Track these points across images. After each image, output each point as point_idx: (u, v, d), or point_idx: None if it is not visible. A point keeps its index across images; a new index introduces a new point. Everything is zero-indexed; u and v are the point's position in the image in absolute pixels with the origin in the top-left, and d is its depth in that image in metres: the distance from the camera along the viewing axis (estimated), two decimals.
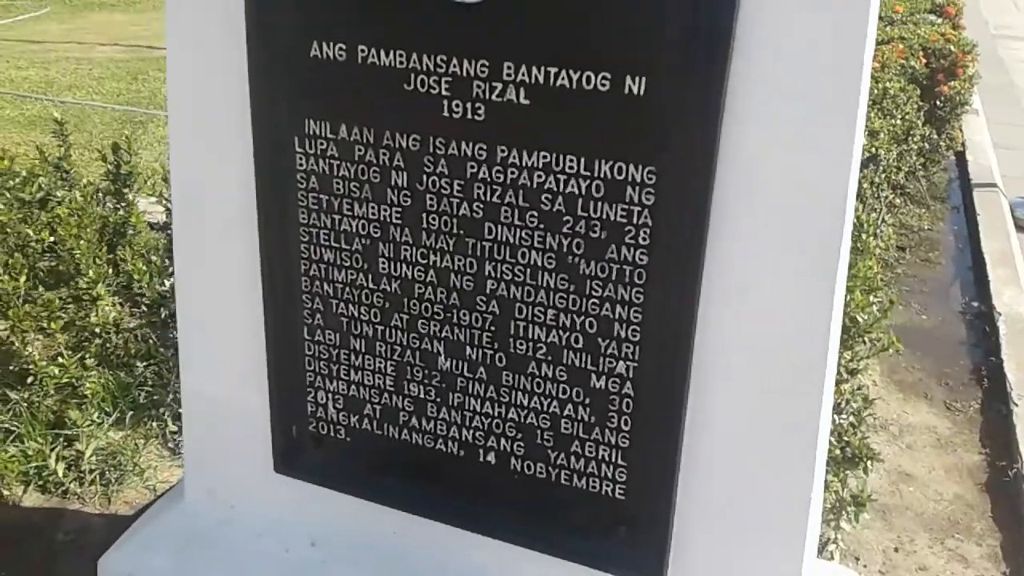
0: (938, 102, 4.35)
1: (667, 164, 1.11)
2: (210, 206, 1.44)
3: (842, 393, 1.86)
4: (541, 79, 1.12)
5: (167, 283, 2.29)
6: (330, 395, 1.46)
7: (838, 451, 1.74)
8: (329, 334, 1.42)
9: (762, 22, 1.02)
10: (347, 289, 1.37)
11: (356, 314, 1.38)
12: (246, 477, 1.59)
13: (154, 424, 2.18)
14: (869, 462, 1.76)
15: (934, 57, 4.37)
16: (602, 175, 1.13)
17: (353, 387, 1.44)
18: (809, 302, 1.12)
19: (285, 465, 1.54)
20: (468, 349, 1.32)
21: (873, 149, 3.00)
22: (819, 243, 1.09)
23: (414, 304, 1.33)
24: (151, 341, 2.27)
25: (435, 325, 1.33)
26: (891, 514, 2.13)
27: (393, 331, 1.37)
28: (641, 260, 1.15)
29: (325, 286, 1.38)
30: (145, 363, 2.23)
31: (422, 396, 1.39)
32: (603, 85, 1.09)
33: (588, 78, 1.10)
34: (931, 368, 2.76)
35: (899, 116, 3.43)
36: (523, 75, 1.13)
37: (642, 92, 1.08)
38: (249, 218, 1.37)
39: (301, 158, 1.31)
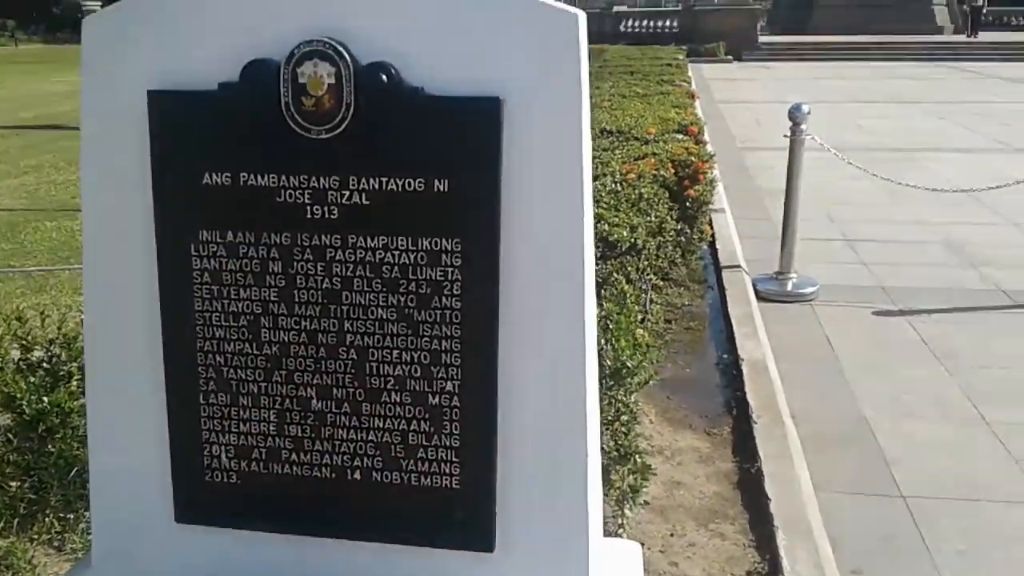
0: (687, 203, 5.26)
1: (468, 237, 1.63)
2: (118, 303, 1.81)
3: (618, 417, 2.41)
4: (377, 186, 1.62)
5: (45, 400, 2.52)
6: (223, 447, 1.82)
7: (616, 453, 2.29)
8: (221, 396, 1.79)
9: (516, 144, 1.58)
10: (236, 357, 1.77)
11: (244, 376, 1.77)
12: (150, 532, 1.88)
13: (40, 527, 2.39)
14: (643, 469, 2.30)
15: (681, 167, 5.29)
16: (425, 248, 1.64)
17: (242, 436, 1.81)
18: (568, 335, 1.65)
19: (186, 515, 1.87)
20: (335, 390, 1.75)
21: (633, 240, 3.72)
22: (567, 290, 1.64)
23: (290, 361, 1.75)
24: (30, 456, 2.49)
25: (308, 375, 1.75)
26: (667, 511, 2.71)
27: (274, 385, 1.77)
28: (456, 306, 1.65)
29: (217, 357, 1.77)
30: (25, 475, 2.45)
31: (300, 434, 1.79)
32: (420, 187, 1.61)
33: (409, 183, 1.62)
34: (694, 407, 3.42)
35: (653, 214, 4.22)
36: (364, 184, 1.63)
37: (446, 189, 1.61)
38: (153, 311, 1.76)
39: (196, 259, 1.72)
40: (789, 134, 5.20)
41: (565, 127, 1.59)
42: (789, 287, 5.30)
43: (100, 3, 59.92)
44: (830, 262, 6.05)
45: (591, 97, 6.03)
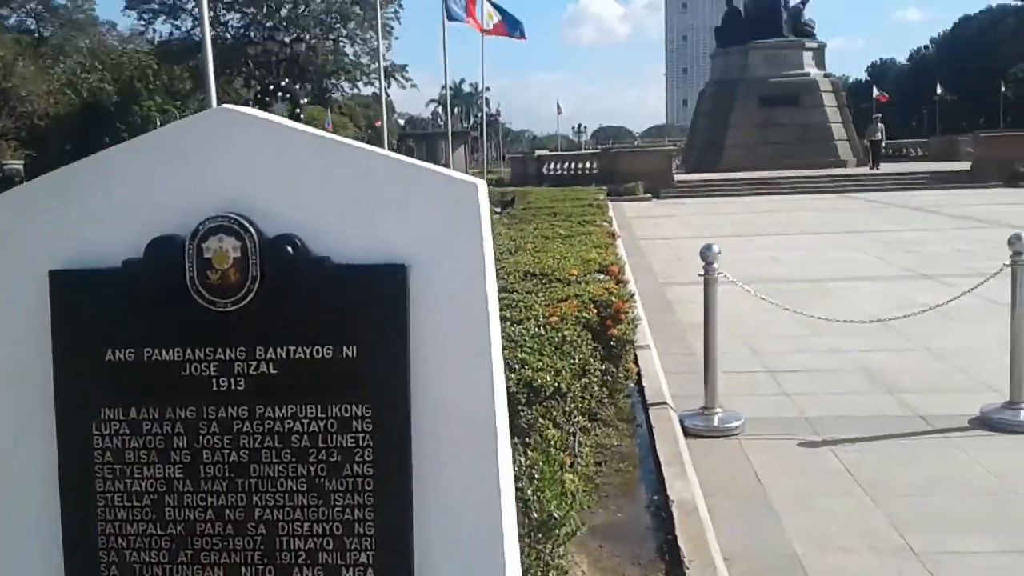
0: (611, 342, 5.34)
1: (379, 402, 1.62)
2: (14, 486, 1.73)
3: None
4: (284, 355, 1.62)
5: None
6: None
7: None
8: None
9: (423, 308, 1.61)
10: (139, 539, 1.69)
11: (147, 559, 1.69)
12: None
13: None
14: None
15: (602, 307, 5.40)
16: (335, 415, 1.63)
17: None
18: (483, 493, 1.64)
19: None
20: (244, 569, 1.68)
21: (558, 384, 3.75)
22: (480, 447, 1.64)
23: (196, 540, 1.68)
24: None
25: (215, 554, 1.68)
26: None
27: (180, 567, 1.70)
28: (368, 472, 1.63)
29: (120, 540, 1.69)
30: None
31: None
32: (328, 354, 1.62)
33: (317, 350, 1.62)
34: (626, 554, 3.37)
35: (576, 356, 4.28)
36: (271, 354, 1.63)
37: (355, 355, 1.62)
38: (51, 494, 1.69)
39: (97, 438, 1.68)
40: (703, 273, 5.38)
41: (470, 288, 1.63)
42: (715, 422, 5.37)
43: (22, 163, 59.34)
44: (754, 394, 6.16)
45: (515, 239, 6.20)
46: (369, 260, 1.62)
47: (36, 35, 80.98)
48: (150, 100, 66.79)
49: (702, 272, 5.36)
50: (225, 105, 1.67)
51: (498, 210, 23.88)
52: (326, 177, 1.63)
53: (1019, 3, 77.30)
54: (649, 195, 30.31)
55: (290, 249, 1.62)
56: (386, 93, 73.87)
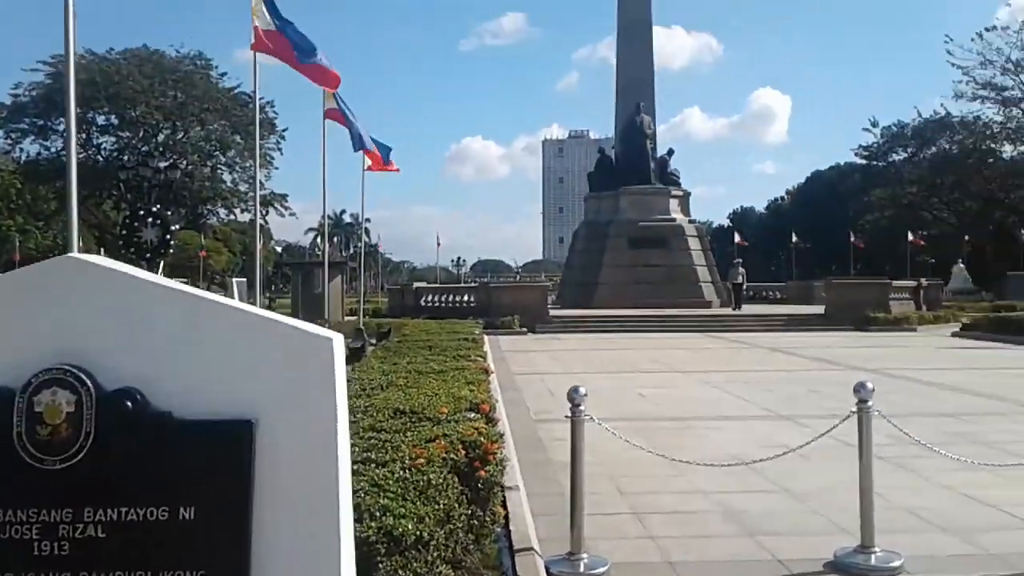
0: (479, 484, 5.28)
1: (215, 567, 1.55)
2: None
3: None
4: (115, 516, 1.54)
5: None
6: None
7: None
8: None
9: (269, 464, 1.57)
10: None
11: None
12: None
13: None
14: None
15: (471, 448, 5.36)
16: None
17: None
18: None
19: None
20: None
21: (420, 532, 3.65)
22: None
23: None
24: None
25: None
26: None
27: None
28: None
29: None
30: None
31: None
32: (163, 515, 1.54)
33: (152, 511, 1.54)
34: None
35: (442, 501, 4.20)
36: (100, 516, 1.54)
37: (192, 517, 1.55)
38: None
39: None
40: (569, 415, 5.45)
41: (321, 448, 1.61)
42: (581, 568, 5.32)
43: None
44: (620, 537, 6.17)
45: (387, 374, 6.13)
46: (214, 415, 1.58)
47: None
48: (10, 219, 64.04)
49: (569, 413, 5.43)
50: (71, 254, 1.63)
51: (373, 342, 23.70)
52: (172, 328, 1.60)
53: (863, 161, 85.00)
54: (525, 329, 30.80)
55: (129, 404, 1.57)
56: (264, 220, 73.58)
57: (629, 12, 44.18)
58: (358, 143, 22.12)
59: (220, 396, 1.58)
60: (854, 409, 5.67)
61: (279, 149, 63.18)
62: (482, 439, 5.53)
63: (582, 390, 5.50)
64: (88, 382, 1.55)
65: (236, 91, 58.63)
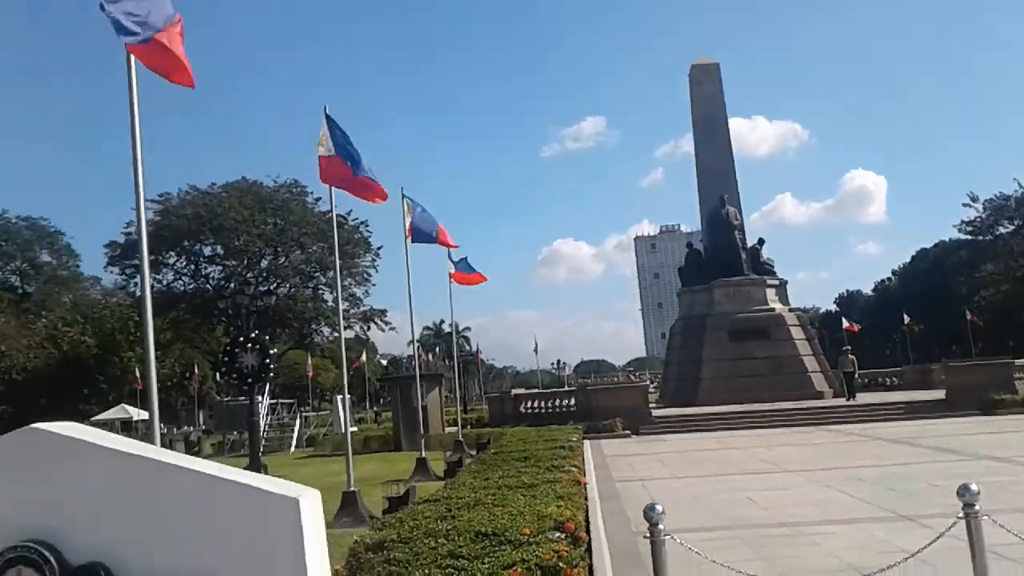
0: None
1: None
2: None
3: None
4: None
5: None
6: None
7: None
8: None
9: None
10: None
11: None
12: None
13: None
14: None
15: (549, 573, 5.07)
16: None
17: None
18: None
19: None
20: None
21: None
22: None
23: None
24: None
25: None
26: None
27: None
28: None
29: None
30: None
31: None
32: None
33: None
34: None
35: None
36: None
37: None
38: None
39: None
40: (648, 535, 5.12)
41: None
42: None
43: None
44: None
45: (476, 491, 5.94)
46: None
47: (20, 291, 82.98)
48: (130, 351, 67.41)
49: (647, 534, 5.10)
50: (34, 425, 1.55)
51: (473, 453, 23.51)
52: (136, 497, 1.49)
53: (968, 236, 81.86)
54: (628, 432, 30.10)
55: None
56: (365, 335, 75.27)
57: (702, 109, 44.50)
58: (421, 237, 22.53)
59: (189, 566, 1.45)
60: (961, 515, 5.15)
61: (375, 267, 65.14)
62: (561, 564, 5.25)
63: (659, 507, 5.18)
64: (52, 559, 1.44)
65: (330, 215, 61.00)
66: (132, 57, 7.03)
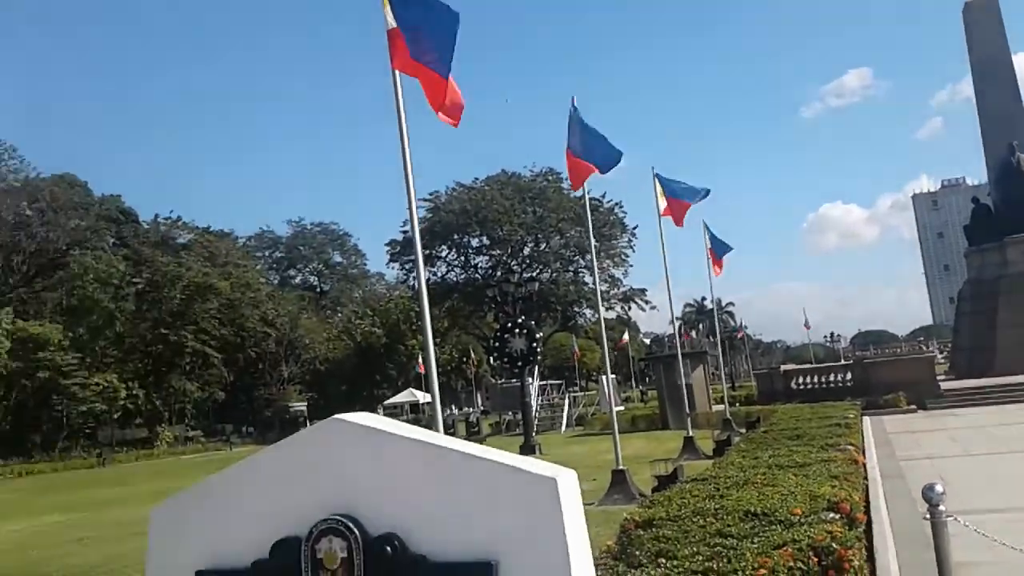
0: None
1: None
2: None
3: None
4: None
5: None
6: None
7: None
8: None
9: None
10: None
11: None
12: None
13: None
14: None
15: (823, 554, 4.95)
16: None
17: None
18: None
19: None
20: None
21: None
22: None
23: None
24: None
25: None
26: None
27: None
28: None
29: None
30: None
31: None
32: None
33: None
34: None
35: None
36: None
37: None
38: None
39: None
40: (927, 516, 4.83)
41: None
42: None
43: (305, 404, 65.97)
44: None
45: (745, 470, 5.98)
46: (460, 558, 1.67)
47: (317, 290, 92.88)
48: (413, 339, 72.86)
49: (928, 515, 4.82)
50: (336, 416, 1.85)
51: (743, 431, 23.02)
52: (421, 479, 1.74)
53: None
54: (913, 407, 28.00)
55: (390, 549, 1.72)
56: (627, 316, 75.86)
57: (981, 49, 39.93)
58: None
59: (464, 538, 1.68)
60: None
61: (631, 247, 65.44)
62: (835, 545, 5.10)
63: (939, 487, 4.87)
64: (356, 530, 1.73)
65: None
66: (398, 74, 7.56)
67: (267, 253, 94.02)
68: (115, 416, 59.63)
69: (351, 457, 1.78)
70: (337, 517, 1.75)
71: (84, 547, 13.49)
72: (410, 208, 7.60)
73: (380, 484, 1.76)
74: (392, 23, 7.29)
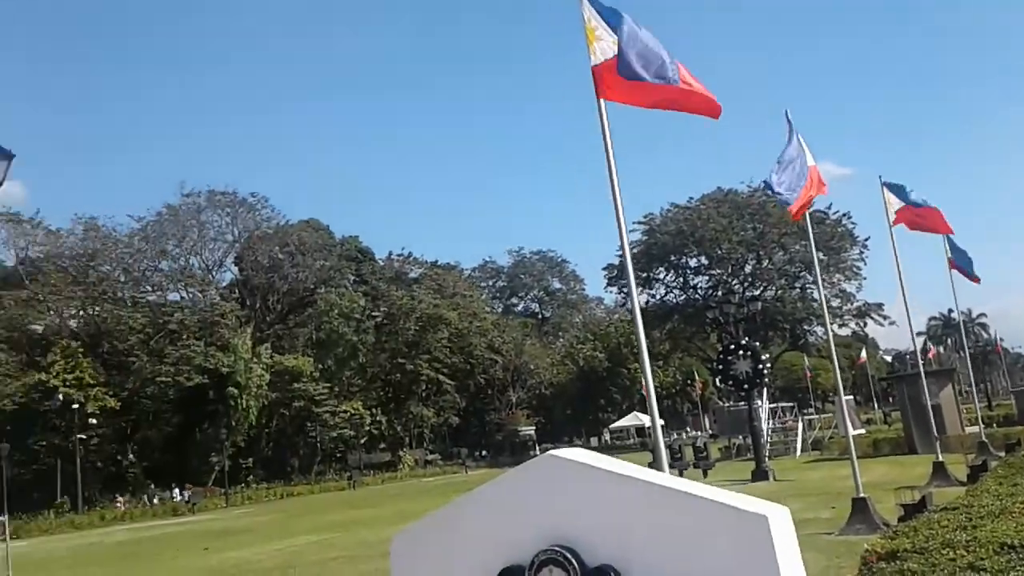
0: None
1: None
2: None
3: None
4: None
5: None
6: None
7: None
8: None
9: None
10: None
11: None
12: None
13: None
14: None
15: None
16: None
17: None
18: None
19: None
20: None
21: None
22: None
23: None
24: None
25: None
26: None
27: None
28: None
29: None
30: None
31: None
32: None
33: None
34: None
35: None
36: None
37: None
38: None
39: None
40: None
41: None
42: None
43: (533, 428, 67.49)
44: None
45: (1002, 498, 5.63)
46: None
47: (539, 316, 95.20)
48: (635, 363, 72.73)
49: None
50: (551, 452, 1.98)
51: (1000, 455, 20.98)
52: (633, 514, 1.83)
53: None
54: None
55: None
56: (863, 332, 71.37)
57: None
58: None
59: (677, 571, 1.73)
60: None
61: (863, 259, 61.65)
62: None
63: None
64: (574, 561, 1.84)
65: (808, 211, 59.34)
66: (603, 102, 7.73)
67: (490, 283, 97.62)
68: (362, 441, 63.97)
69: (565, 491, 1.89)
70: (557, 548, 1.87)
71: (339, 565, 14.60)
72: (621, 238, 7.71)
73: (595, 518, 1.86)
74: (599, 59, 7.48)
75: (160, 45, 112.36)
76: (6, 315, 54.22)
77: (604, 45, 7.45)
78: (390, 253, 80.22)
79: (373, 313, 67.19)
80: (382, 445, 67.72)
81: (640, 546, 1.79)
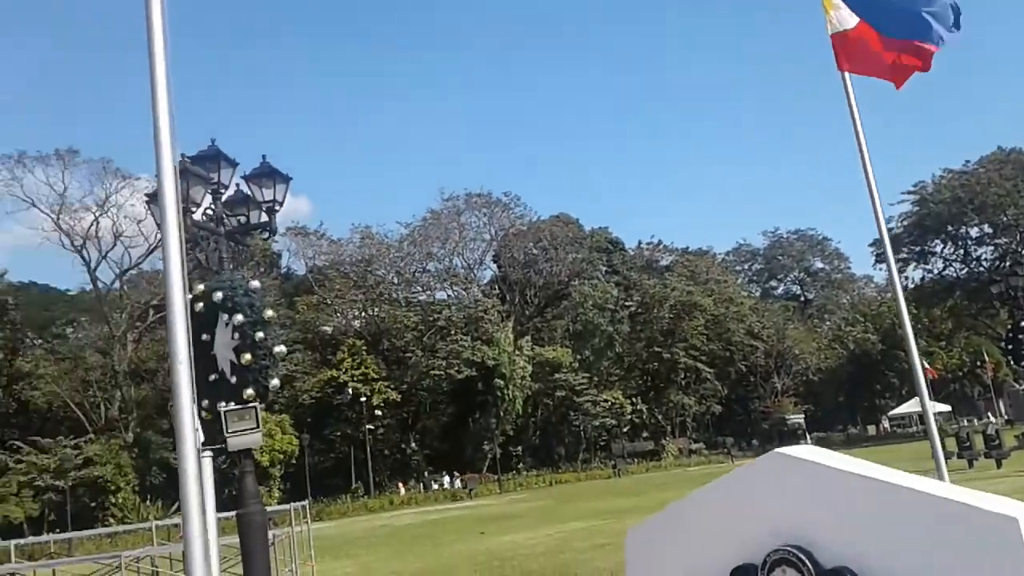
0: None
1: None
2: None
3: None
4: None
5: None
6: None
7: None
8: None
9: None
10: None
11: None
12: None
13: None
14: None
15: None
16: None
17: None
18: None
19: None
20: None
21: None
22: None
23: None
24: None
25: None
26: None
27: None
28: None
29: None
30: None
31: None
32: None
33: None
34: None
35: None
36: None
37: None
38: None
39: None
40: None
41: None
42: None
43: (802, 416, 64.33)
44: None
45: None
46: None
47: (801, 299, 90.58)
48: (924, 341, 67.25)
49: None
50: (778, 450, 1.96)
51: None
52: (869, 515, 1.78)
53: None
54: None
55: None
56: None
57: None
58: None
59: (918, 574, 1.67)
60: None
61: None
62: None
63: None
64: (808, 562, 1.82)
65: None
66: (847, 76, 7.26)
67: (746, 266, 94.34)
68: (624, 430, 64.56)
69: (796, 490, 1.87)
70: (789, 548, 1.86)
71: (607, 553, 14.92)
72: (875, 209, 7.24)
73: (827, 517, 1.83)
74: (836, 27, 7.09)
75: (407, 70, 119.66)
76: (301, 319, 60.50)
77: (843, 14, 7.02)
78: (639, 242, 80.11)
79: (626, 303, 67.47)
80: (644, 434, 67.87)
81: (877, 548, 1.74)
